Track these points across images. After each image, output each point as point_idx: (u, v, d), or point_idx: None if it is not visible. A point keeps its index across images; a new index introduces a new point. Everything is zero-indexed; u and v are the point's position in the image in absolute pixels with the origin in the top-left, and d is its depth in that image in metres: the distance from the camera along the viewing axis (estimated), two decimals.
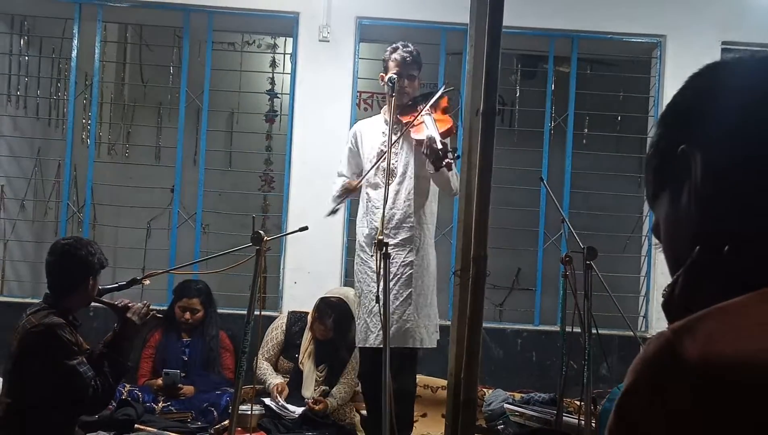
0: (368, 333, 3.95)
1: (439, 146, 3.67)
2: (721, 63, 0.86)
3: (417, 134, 3.88)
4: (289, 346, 5.17)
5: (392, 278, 3.79)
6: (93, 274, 3.38)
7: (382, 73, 4.09)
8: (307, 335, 5.07)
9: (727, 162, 0.78)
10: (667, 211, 0.85)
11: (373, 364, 4.12)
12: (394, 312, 3.83)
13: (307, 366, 5.03)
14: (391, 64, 4.02)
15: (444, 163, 3.72)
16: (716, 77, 0.84)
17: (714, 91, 0.82)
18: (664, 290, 0.84)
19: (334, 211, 4.19)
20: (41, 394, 3.21)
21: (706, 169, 0.78)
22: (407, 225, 3.97)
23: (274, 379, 4.93)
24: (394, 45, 4.09)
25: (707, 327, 0.67)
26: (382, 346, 3.95)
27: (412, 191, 3.99)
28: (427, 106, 3.87)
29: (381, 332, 3.88)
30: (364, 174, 4.05)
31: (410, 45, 4.07)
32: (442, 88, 3.95)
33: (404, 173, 4.00)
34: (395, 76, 3.91)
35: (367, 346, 3.97)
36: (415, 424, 4.88)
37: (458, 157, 3.85)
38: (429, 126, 3.84)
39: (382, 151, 3.95)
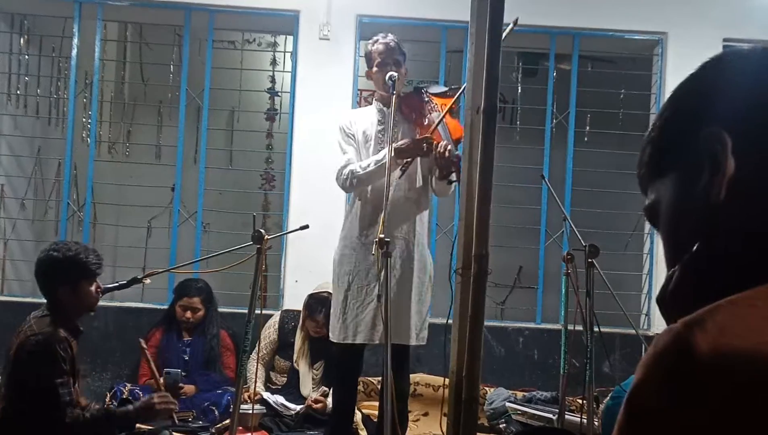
0: (358, 329, 3.83)
1: (455, 156, 3.59)
2: (742, 50, 0.83)
3: (425, 132, 3.82)
4: (283, 345, 5.17)
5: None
6: (78, 280, 3.27)
7: (368, 70, 4.00)
8: (299, 334, 5.06)
9: (755, 152, 0.76)
10: (673, 197, 0.83)
11: (356, 361, 4.06)
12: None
13: (303, 365, 5.02)
14: (375, 55, 3.93)
15: (454, 177, 3.67)
16: (740, 63, 0.82)
17: (739, 77, 0.80)
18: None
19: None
20: (22, 401, 3.17)
21: (735, 157, 0.76)
22: (405, 219, 3.87)
23: (253, 384, 4.90)
24: (373, 39, 4.02)
25: (718, 320, 0.66)
26: (374, 342, 3.90)
27: (413, 185, 3.90)
28: (448, 107, 3.81)
29: (373, 328, 3.83)
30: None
31: (389, 35, 4.02)
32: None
33: (405, 166, 3.87)
34: (396, 74, 3.83)
35: (357, 342, 3.85)
36: (417, 423, 4.89)
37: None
38: (441, 131, 3.77)
39: (379, 138, 3.88)
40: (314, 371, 5.01)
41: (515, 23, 3.39)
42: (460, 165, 3.64)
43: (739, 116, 0.77)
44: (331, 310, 4.03)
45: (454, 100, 3.84)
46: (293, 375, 5.06)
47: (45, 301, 3.33)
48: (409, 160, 3.81)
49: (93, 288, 3.32)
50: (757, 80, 0.79)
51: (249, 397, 4.61)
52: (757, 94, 0.78)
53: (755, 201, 0.75)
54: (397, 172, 3.78)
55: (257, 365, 4.98)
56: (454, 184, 3.79)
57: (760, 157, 0.75)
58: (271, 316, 5.30)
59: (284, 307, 5.52)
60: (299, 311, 5.10)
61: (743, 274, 0.71)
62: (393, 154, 3.61)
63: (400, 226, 3.85)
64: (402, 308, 3.79)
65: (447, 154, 3.66)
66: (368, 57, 3.99)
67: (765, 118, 0.76)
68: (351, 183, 3.86)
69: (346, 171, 3.87)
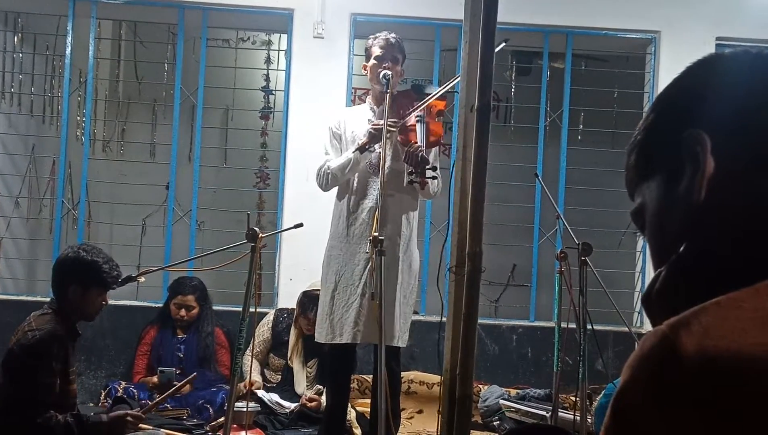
0: (344, 328, 3.83)
1: (419, 159, 3.62)
2: (726, 54, 0.84)
3: (405, 133, 3.81)
4: (277, 343, 5.17)
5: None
6: (90, 286, 3.30)
7: (365, 64, 4.00)
8: (293, 332, 5.06)
9: (736, 153, 0.77)
10: (658, 199, 0.84)
11: (348, 360, 4.07)
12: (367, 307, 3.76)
13: (297, 363, 5.03)
14: (375, 49, 3.92)
15: (416, 179, 3.68)
16: (724, 67, 0.82)
17: (722, 80, 0.81)
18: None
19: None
20: (9, 394, 3.19)
21: (715, 158, 0.77)
22: (390, 219, 3.86)
23: (249, 376, 4.88)
24: (375, 34, 4.03)
25: (703, 321, 0.67)
26: (356, 342, 3.89)
27: (398, 185, 3.88)
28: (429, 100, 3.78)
29: (355, 328, 3.82)
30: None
31: (392, 33, 4.02)
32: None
33: (393, 166, 3.87)
34: (390, 73, 3.81)
35: (342, 342, 3.85)
36: (411, 420, 4.90)
37: (434, 177, 3.80)
38: (418, 130, 3.76)
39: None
40: (308, 369, 5.01)
41: (506, 41, 3.43)
42: (432, 171, 3.67)
43: (718, 118, 0.78)
44: (318, 310, 4.02)
45: (430, 98, 3.78)
46: (287, 373, 5.07)
47: (43, 300, 3.36)
48: (370, 148, 3.86)
49: (100, 299, 3.37)
50: (736, 82, 0.79)
51: (245, 386, 4.61)
52: (735, 96, 0.79)
53: (734, 200, 0.76)
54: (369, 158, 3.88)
55: (251, 359, 4.97)
56: (427, 186, 3.79)
57: (738, 157, 0.76)
58: (265, 314, 5.30)
59: (278, 306, 5.53)
60: (293, 309, 5.11)
61: (728, 275, 0.72)
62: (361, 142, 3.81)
63: (384, 226, 3.79)
64: (385, 309, 3.75)
65: (416, 154, 3.68)
66: (367, 51, 4.01)
67: (742, 119, 0.77)
68: (326, 180, 3.95)
69: (322, 170, 3.96)
